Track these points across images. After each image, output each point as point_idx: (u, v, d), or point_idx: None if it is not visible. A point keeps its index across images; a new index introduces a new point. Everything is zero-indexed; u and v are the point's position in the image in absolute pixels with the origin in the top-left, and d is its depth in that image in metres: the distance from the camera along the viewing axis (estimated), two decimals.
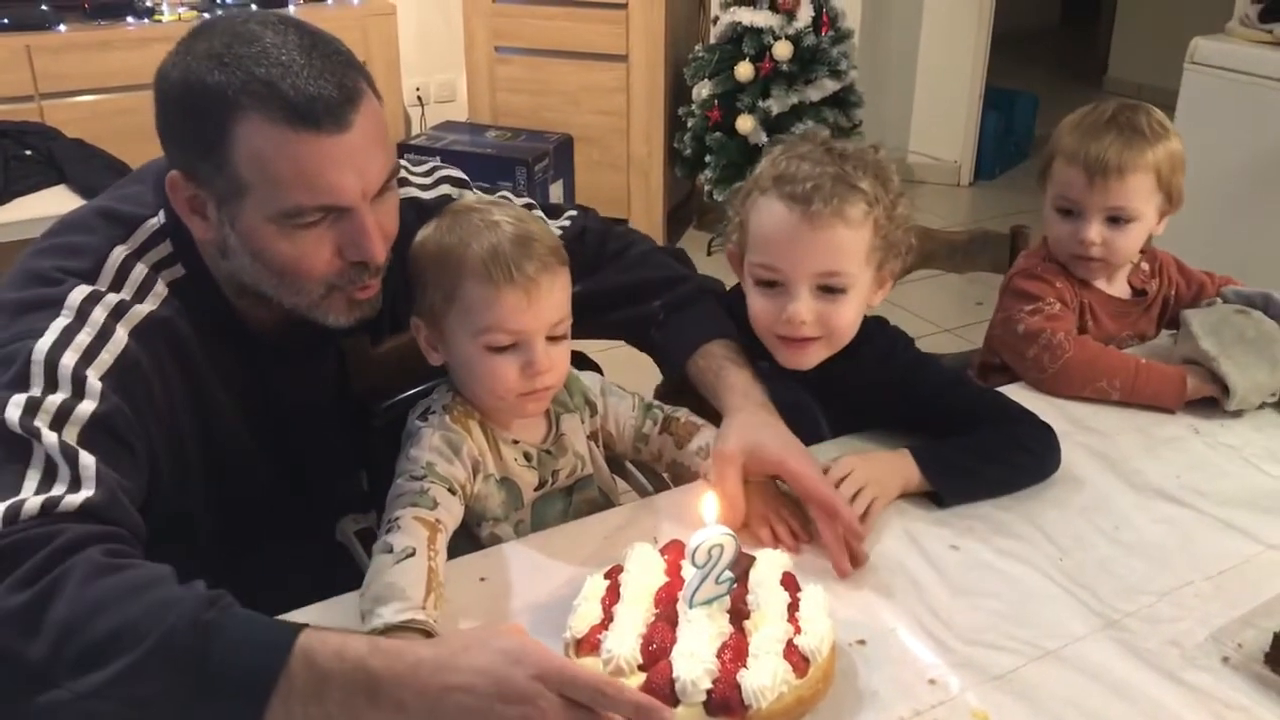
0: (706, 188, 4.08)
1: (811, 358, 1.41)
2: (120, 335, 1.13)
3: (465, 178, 1.52)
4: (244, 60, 1.10)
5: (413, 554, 1.14)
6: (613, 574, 1.13)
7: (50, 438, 1.03)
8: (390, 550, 1.15)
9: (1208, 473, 1.45)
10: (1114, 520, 1.35)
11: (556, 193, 4.00)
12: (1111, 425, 1.56)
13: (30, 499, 0.98)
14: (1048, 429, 1.43)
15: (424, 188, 1.47)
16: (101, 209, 1.23)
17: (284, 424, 1.35)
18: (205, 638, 0.91)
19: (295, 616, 1.09)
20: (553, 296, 1.27)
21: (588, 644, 1.04)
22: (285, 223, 1.14)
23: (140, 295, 1.18)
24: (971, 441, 1.40)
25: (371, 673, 0.92)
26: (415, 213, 1.35)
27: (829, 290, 1.36)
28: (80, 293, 1.13)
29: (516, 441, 1.34)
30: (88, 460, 1.03)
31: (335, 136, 1.11)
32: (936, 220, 4.39)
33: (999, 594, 1.22)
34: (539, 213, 1.52)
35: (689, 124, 4.07)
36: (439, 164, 1.53)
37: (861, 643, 1.13)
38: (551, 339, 1.28)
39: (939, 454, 1.38)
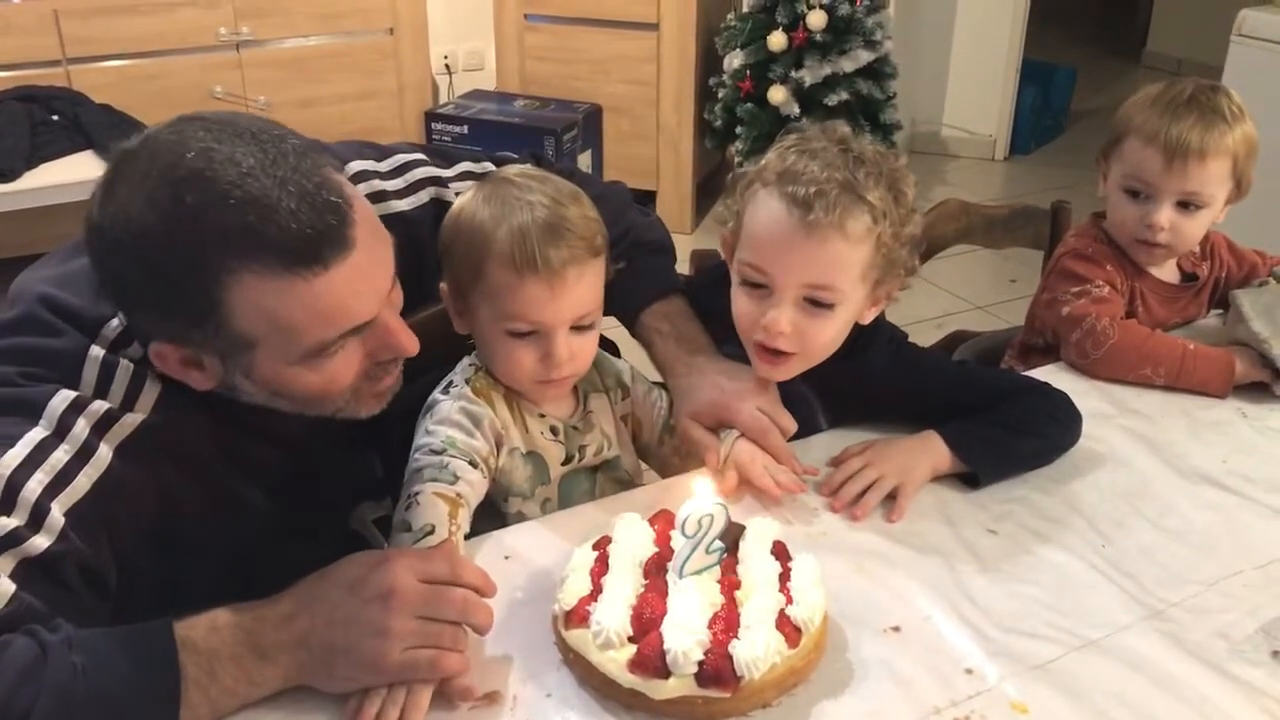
0: (737, 160, 4.01)
1: (784, 373, 1.33)
2: (104, 453, 1.01)
3: (439, 173, 1.38)
4: (208, 210, 0.94)
5: (432, 531, 1.12)
6: (601, 545, 1.12)
7: None
8: (409, 529, 1.13)
9: (1256, 458, 1.41)
10: (1158, 506, 1.31)
11: (585, 163, 3.96)
12: (1155, 408, 1.51)
13: None
14: (1065, 396, 1.40)
15: (400, 194, 1.35)
16: (50, 300, 1.07)
17: (300, 454, 1.22)
18: (92, 682, 0.87)
19: None
20: (579, 289, 1.22)
21: (576, 616, 1.03)
22: (310, 360, 1.04)
23: (130, 400, 1.05)
24: (998, 416, 1.36)
25: (250, 632, 0.94)
26: (401, 228, 1.17)
27: (815, 304, 1.26)
28: (62, 400, 1.01)
29: (544, 415, 1.31)
30: (5, 587, 0.91)
31: (343, 261, 0.99)
32: (970, 196, 4.30)
33: (1038, 580, 1.18)
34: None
35: (720, 95, 4.00)
36: (406, 154, 1.38)
37: (896, 629, 1.10)
38: (577, 329, 1.25)
39: (968, 432, 1.34)
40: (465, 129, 3.95)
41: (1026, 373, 1.57)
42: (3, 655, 0.87)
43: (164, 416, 1.07)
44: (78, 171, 3.07)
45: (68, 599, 0.96)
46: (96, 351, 1.05)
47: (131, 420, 1.05)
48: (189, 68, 3.57)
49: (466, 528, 1.17)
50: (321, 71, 3.82)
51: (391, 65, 3.97)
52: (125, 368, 1.06)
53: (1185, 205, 1.58)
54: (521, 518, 1.29)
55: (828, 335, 1.30)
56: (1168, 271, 1.70)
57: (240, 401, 1.11)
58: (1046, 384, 1.42)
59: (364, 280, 1.03)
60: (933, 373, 1.44)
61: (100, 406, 1.03)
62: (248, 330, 1.00)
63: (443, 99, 4.29)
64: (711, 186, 4.41)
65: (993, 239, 2.00)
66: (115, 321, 1.08)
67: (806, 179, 1.23)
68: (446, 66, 4.33)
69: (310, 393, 1.08)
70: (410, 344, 1.10)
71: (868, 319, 1.35)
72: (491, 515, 1.27)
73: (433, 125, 4.00)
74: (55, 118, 3.17)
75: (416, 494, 1.16)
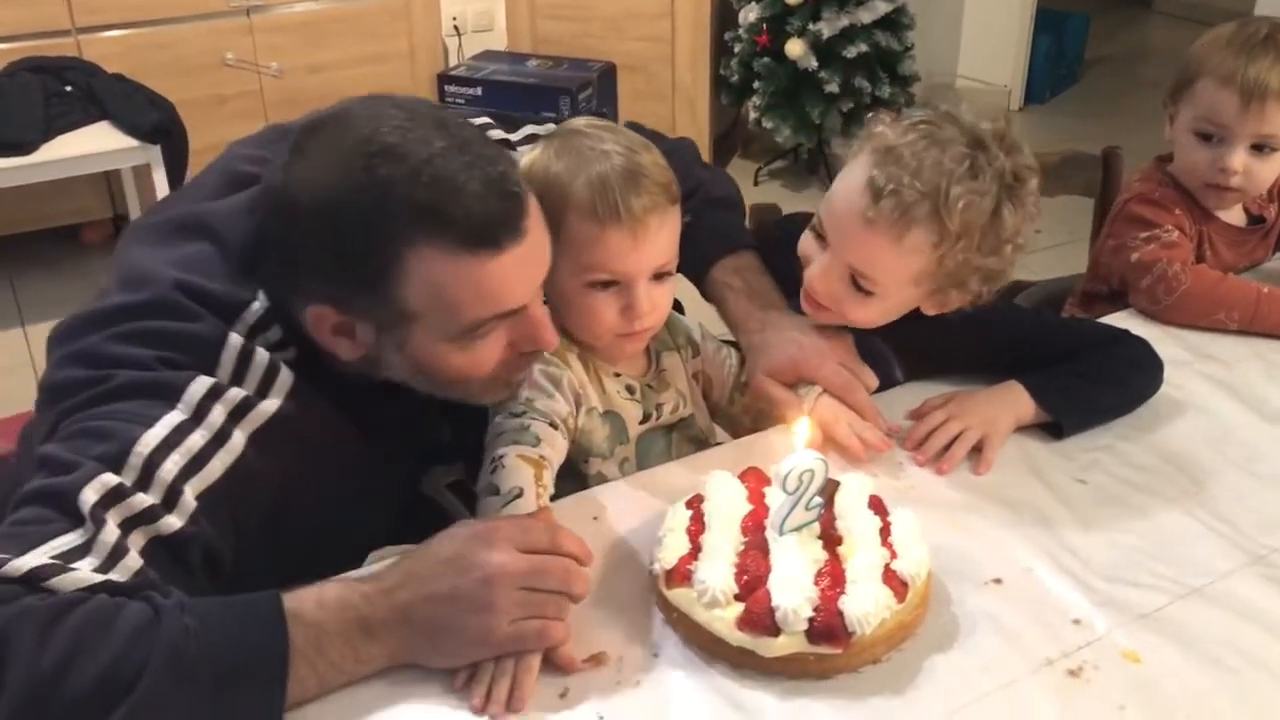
0: (753, 115, 3.97)
1: (821, 320, 1.31)
2: (237, 440, 1.02)
3: (505, 137, 1.40)
4: (398, 183, 0.97)
5: (520, 494, 1.11)
6: (694, 503, 1.10)
7: (111, 534, 0.91)
8: (497, 492, 1.11)
9: None
10: (1244, 451, 1.29)
11: None
12: (1230, 353, 1.49)
13: (23, 559, 0.87)
14: (1147, 343, 1.38)
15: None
16: (187, 286, 1.06)
17: (391, 428, 1.21)
18: (204, 644, 0.86)
19: None
20: (660, 237, 1.20)
21: (678, 575, 1.02)
22: (463, 339, 1.05)
23: (264, 389, 1.06)
24: (1082, 366, 1.34)
25: (358, 609, 0.94)
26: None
27: (856, 284, 1.24)
28: (201, 386, 1.01)
29: (619, 374, 1.29)
30: (133, 561, 0.92)
31: (515, 249, 1.02)
32: None
33: (1134, 529, 1.17)
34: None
35: (736, 49, 3.95)
36: (471, 120, 1.35)
37: (998, 581, 1.09)
38: (656, 278, 1.22)
39: (1051, 382, 1.32)
40: (479, 90, 3.90)
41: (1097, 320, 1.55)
42: (119, 615, 0.86)
43: (295, 406, 1.07)
44: (95, 143, 3.02)
45: (185, 580, 0.96)
46: (235, 339, 1.05)
47: (266, 409, 1.05)
48: (199, 35, 3.51)
49: (551, 489, 1.16)
50: (332, 36, 3.76)
51: (402, 28, 3.90)
52: (261, 356, 1.06)
53: (1260, 148, 1.55)
54: (601, 478, 1.27)
55: (865, 314, 1.28)
56: (1234, 214, 1.68)
57: (361, 386, 1.12)
58: (1126, 331, 1.39)
59: (526, 268, 1.06)
60: (1010, 323, 1.41)
61: (237, 394, 1.03)
62: (413, 302, 1.02)
63: (453, 61, 4.23)
64: (727, 143, 4.37)
65: (1043, 187, 1.96)
66: (256, 305, 1.08)
67: (896, 171, 1.18)
68: (456, 28, 4.26)
69: (453, 374, 1.08)
70: (552, 338, 1.12)
71: (931, 313, 1.31)
72: (571, 477, 1.26)
73: (445, 88, 3.94)
74: (69, 89, 3.10)
75: (501, 457, 1.14)
